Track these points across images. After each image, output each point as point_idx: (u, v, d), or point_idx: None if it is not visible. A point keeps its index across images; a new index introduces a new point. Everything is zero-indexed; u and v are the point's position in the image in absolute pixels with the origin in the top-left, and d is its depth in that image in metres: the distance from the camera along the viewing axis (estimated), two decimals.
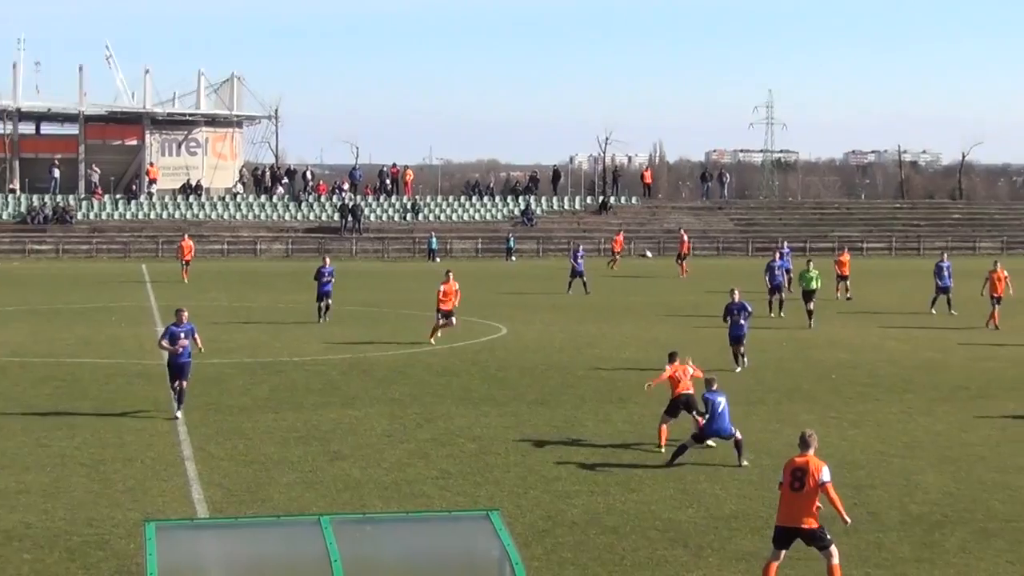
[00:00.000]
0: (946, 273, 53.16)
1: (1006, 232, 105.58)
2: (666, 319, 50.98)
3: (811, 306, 48.32)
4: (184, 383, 29.51)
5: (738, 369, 36.95)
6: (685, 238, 79.01)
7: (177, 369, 29.55)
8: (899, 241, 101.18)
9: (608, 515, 21.51)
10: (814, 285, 48.92)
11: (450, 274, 44.11)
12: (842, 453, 26.33)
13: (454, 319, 43.16)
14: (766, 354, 40.59)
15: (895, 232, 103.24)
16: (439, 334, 42.79)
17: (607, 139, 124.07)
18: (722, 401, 25.54)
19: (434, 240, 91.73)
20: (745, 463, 25.35)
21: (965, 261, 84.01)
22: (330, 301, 48.98)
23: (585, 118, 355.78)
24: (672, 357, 27.75)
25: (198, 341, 30.00)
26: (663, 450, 26.22)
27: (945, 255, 55.38)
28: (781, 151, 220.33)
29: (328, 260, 51.27)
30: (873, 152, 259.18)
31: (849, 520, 17.80)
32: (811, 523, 17.21)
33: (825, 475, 17.26)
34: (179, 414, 29.31)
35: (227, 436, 27.71)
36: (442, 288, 43.04)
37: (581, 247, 67.15)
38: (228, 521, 14.82)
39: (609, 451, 26.45)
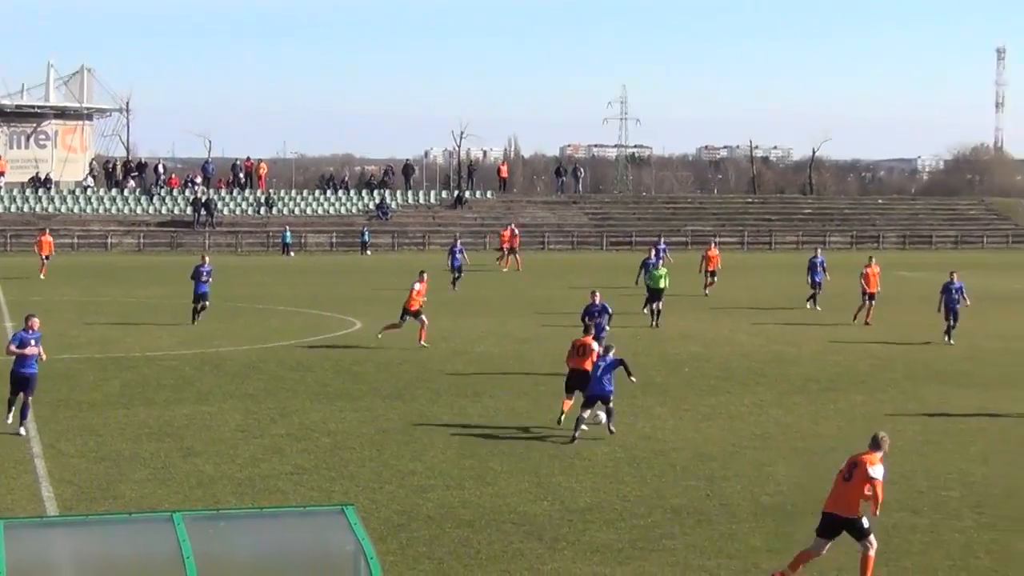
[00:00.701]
0: (820, 269, 53.87)
1: (855, 227, 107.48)
2: (522, 313, 51.12)
3: (658, 305, 47.49)
4: (29, 398, 27.34)
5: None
6: (510, 233, 78.38)
7: (23, 382, 27.37)
8: (751, 235, 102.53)
9: (463, 509, 21.51)
10: (662, 284, 47.94)
11: (424, 274, 42.22)
12: (695, 445, 26.61)
13: (423, 318, 41.52)
14: (619, 348, 40.81)
15: (747, 226, 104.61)
16: (385, 333, 41.39)
17: (462, 133, 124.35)
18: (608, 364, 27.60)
19: (288, 234, 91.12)
20: (613, 429, 27.18)
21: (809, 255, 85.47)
22: (207, 303, 46.71)
23: (440, 112, 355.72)
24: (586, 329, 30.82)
25: (41, 351, 27.75)
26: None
27: (819, 250, 56.06)
28: (635, 146, 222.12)
29: (207, 259, 48.82)
30: (725, 147, 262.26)
31: (876, 514, 17.84)
32: (851, 512, 17.59)
33: (875, 472, 17.52)
34: (23, 431, 27.03)
35: (77, 433, 27.25)
36: (416, 287, 41.28)
37: (459, 242, 66.37)
38: (79, 518, 14.54)
39: (464, 445, 26.44)
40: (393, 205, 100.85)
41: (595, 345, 29.05)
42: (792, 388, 33.93)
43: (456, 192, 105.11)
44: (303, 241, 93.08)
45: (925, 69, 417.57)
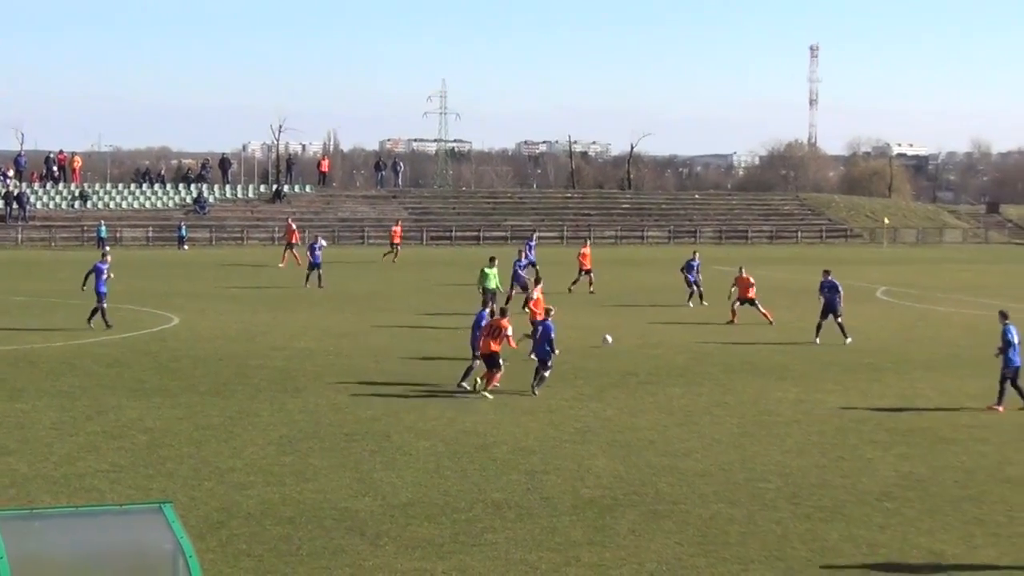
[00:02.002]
0: (695, 269, 54.53)
1: (673, 221, 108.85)
2: (342, 308, 50.87)
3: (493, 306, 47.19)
4: None
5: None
6: (293, 227, 77.58)
7: None
8: (570, 230, 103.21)
9: (284, 505, 21.32)
10: (492, 284, 47.86)
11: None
12: (516, 440, 26.70)
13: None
14: (440, 343, 40.92)
15: (566, 221, 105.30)
16: None
17: (281, 127, 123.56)
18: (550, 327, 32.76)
19: (103, 228, 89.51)
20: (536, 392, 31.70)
21: (634, 250, 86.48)
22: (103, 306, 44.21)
23: (258, 105, 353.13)
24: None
25: None
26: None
27: (697, 254, 56.78)
28: (455, 141, 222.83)
29: (108, 258, 45.84)
30: (545, 142, 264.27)
31: None
32: None
33: None
34: None
35: None
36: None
37: (319, 238, 65.26)
38: None
39: (285, 441, 26.22)
40: (211, 199, 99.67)
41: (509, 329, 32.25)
42: (611, 382, 34.21)
43: (275, 186, 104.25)
44: (119, 235, 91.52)
45: (741, 66, 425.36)
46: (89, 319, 43.58)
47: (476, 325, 33.41)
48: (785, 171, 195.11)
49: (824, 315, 42.98)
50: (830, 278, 43.18)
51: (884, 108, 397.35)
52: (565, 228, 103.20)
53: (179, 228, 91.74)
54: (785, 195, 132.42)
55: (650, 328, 45.75)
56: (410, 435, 26.83)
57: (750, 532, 20.27)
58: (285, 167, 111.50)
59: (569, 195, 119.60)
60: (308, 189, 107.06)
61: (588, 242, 66.15)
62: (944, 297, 59.47)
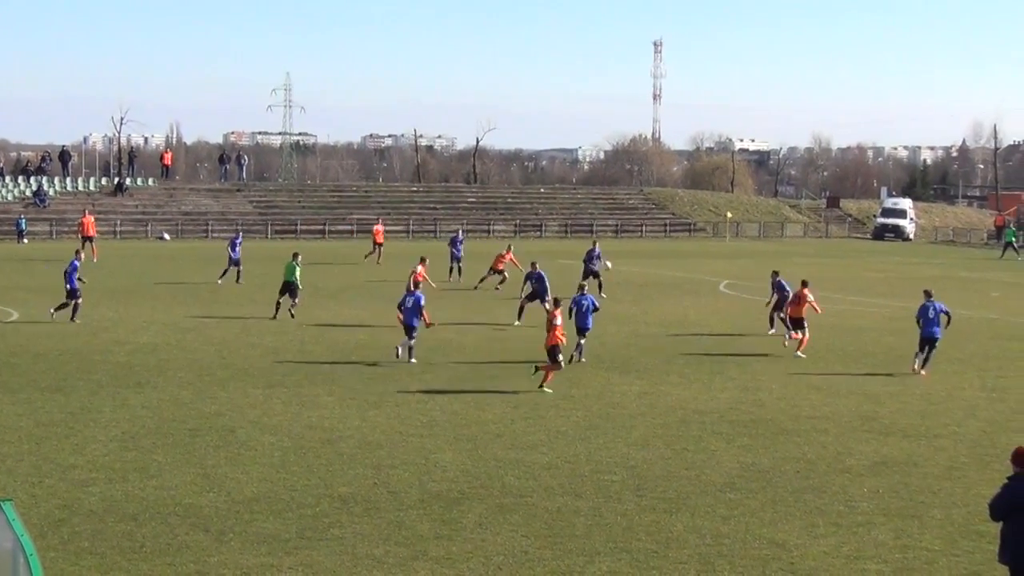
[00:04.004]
0: (595, 258, 55.29)
1: (518, 215, 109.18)
2: (185, 302, 50.29)
3: (289, 299, 46.12)
4: None
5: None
6: (90, 220, 75.78)
7: None
8: (416, 224, 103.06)
9: (127, 502, 21.02)
10: (291, 277, 46.44)
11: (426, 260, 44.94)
12: (362, 433, 26.60)
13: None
14: (286, 336, 40.66)
15: (412, 215, 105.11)
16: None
17: (122, 119, 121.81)
18: (586, 303, 36.30)
19: None
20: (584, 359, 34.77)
21: (479, 244, 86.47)
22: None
23: (99, 97, 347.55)
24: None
25: None
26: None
27: (597, 244, 57.50)
28: (300, 134, 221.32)
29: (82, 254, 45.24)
30: (390, 136, 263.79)
31: None
32: None
33: None
34: None
35: None
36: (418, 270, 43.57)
37: (240, 235, 63.90)
38: None
39: (127, 437, 25.84)
40: (51, 192, 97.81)
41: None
42: (459, 375, 34.23)
43: (116, 179, 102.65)
44: None
45: (586, 61, 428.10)
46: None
47: (403, 303, 36.39)
48: (629, 166, 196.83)
49: (777, 308, 44.04)
50: (779, 278, 44.26)
51: (727, 104, 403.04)
52: (411, 222, 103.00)
53: (18, 221, 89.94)
54: (629, 189, 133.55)
55: (495, 320, 45.80)
56: (255, 430, 26.61)
57: (596, 524, 20.41)
58: (127, 160, 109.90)
59: (415, 189, 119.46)
60: (150, 182, 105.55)
61: (509, 247, 62.39)
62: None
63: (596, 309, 37.22)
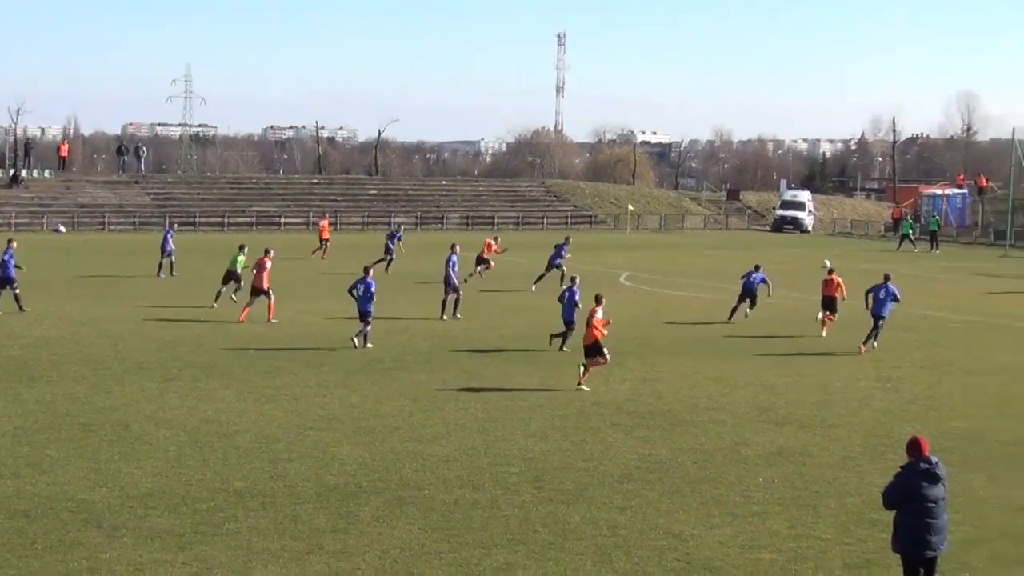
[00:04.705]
0: (560, 253, 56.70)
1: (420, 207, 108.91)
2: (80, 295, 49.70)
3: (234, 284, 47.02)
4: None
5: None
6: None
7: None
8: (316, 216, 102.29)
9: (18, 498, 20.71)
10: (235, 266, 47.26)
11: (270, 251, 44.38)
12: (259, 427, 26.42)
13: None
14: (185, 329, 40.27)
15: (313, 207, 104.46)
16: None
17: (19, 110, 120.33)
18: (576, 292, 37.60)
19: None
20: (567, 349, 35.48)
21: (382, 236, 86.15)
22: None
23: None
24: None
25: None
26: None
27: (568, 239, 59.21)
28: (200, 125, 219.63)
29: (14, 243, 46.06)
30: (291, 128, 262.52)
31: None
32: None
33: None
34: None
35: None
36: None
37: (173, 225, 63.14)
38: None
39: (20, 432, 25.47)
40: None
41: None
42: (356, 368, 34.09)
43: (12, 171, 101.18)
44: None
45: (489, 53, 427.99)
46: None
47: (354, 289, 37.93)
48: (532, 158, 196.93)
49: (741, 299, 46.16)
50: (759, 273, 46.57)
51: (629, 96, 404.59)
52: (312, 214, 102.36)
53: None
54: (531, 181, 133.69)
55: (401, 312, 45.68)
56: (150, 424, 26.35)
57: (493, 516, 20.39)
58: (23, 151, 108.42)
59: (316, 181, 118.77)
60: (47, 174, 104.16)
61: (495, 238, 63.65)
62: (685, 282, 60.74)
63: (577, 304, 37.99)
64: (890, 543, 16.10)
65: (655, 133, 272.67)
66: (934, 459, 15.81)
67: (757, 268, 46.59)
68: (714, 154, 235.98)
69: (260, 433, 25.92)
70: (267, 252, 43.89)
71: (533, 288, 54.39)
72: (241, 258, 47.54)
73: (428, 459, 24.13)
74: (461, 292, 45.70)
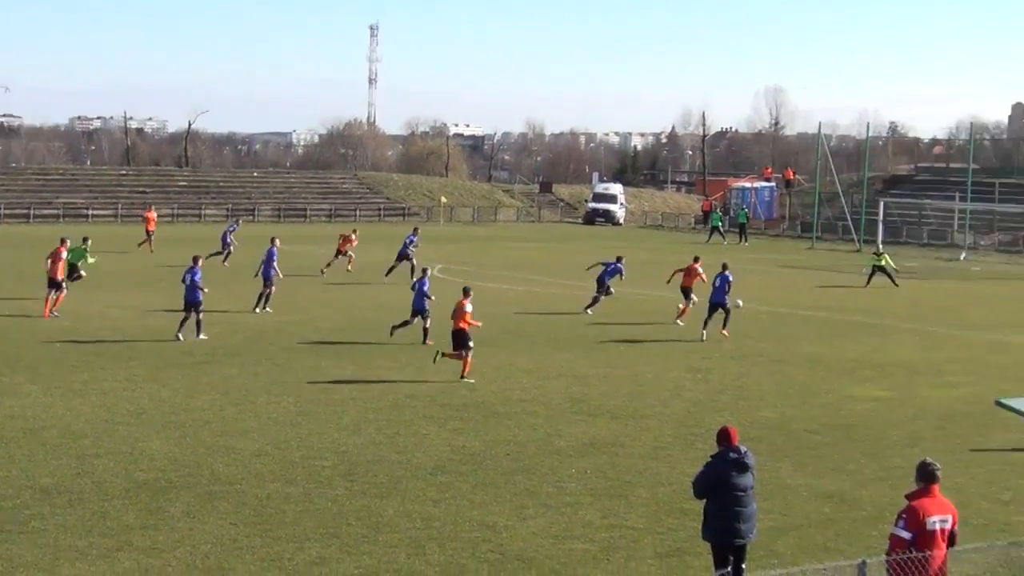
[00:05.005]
0: (409, 244, 57.63)
1: (231, 199, 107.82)
2: None
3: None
4: None
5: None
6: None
7: None
8: (125, 208, 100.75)
9: None
10: (77, 260, 46.40)
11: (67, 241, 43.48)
12: (66, 423, 25.92)
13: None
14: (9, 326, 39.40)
15: (121, 199, 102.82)
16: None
17: None
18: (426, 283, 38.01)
19: None
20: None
21: (192, 228, 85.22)
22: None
23: None
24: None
25: None
26: None
27: (417, 230, 60.71)
28: (4, 115, 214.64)
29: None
30: (99, 118, 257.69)
31: None
32: None
33: None
34: None
35: None
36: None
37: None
38: None
39: None
40: None
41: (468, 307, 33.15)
42: (167, 362, 33.61)
43: None
44: None
45: (301, 44, 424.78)
46: None
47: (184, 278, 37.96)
48: (344, 150, 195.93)
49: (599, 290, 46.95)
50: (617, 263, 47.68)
51: (441, 89, 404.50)
52: (120, 206, 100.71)
53: None
54: (344, 173, 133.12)
55: (212, 305, 45.10)
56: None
57: (306, 510, 20.26)
58: None
59: (124, 172, 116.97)
60: None
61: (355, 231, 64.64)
62: (498, 274, 60.97)
63: (429, 295, 38.30)
64: (701, 531, 16.32)
65: (468, 126, 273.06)
66: (743, 448, 16.06)
67: (619, 259, 46.89)
68: (527, 147, 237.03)
69: (67, 428, 25.42)
70: (63, 241, 43.12)
71: (386, 279, 55.10)
72: (84, 252, 46.96)
73: (240, 453, 23.89)
74: (275, 287, 45.30)
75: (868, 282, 60.31)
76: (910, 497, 14.29)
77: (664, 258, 66.74)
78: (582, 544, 19.02)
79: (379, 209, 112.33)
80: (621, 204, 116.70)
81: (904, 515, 14.08)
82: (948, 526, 14.14)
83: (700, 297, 43.50)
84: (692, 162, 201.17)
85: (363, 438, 25.52)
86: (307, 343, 37.58)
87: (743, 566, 16.05)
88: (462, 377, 32.25)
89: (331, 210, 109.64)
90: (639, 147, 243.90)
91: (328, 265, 59.24)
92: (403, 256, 57.15)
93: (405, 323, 38.13)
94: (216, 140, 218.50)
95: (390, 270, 56.17)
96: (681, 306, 44.54)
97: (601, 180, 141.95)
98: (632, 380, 33.03)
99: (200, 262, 38.61)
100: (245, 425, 26.35)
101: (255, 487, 21.58)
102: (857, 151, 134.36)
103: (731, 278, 41.70)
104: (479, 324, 33.65)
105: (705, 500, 16.10)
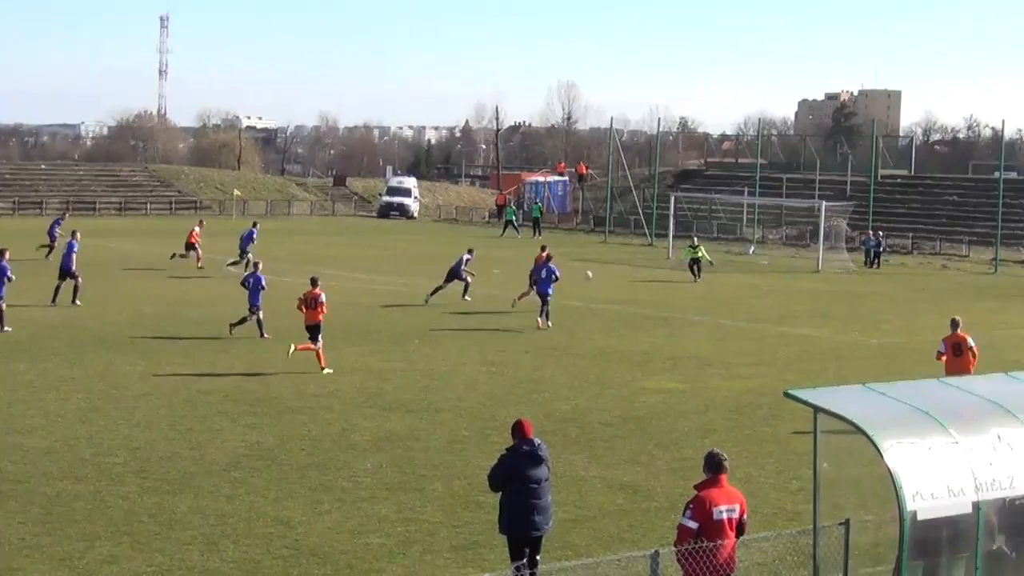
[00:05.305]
0: (249, 238, 58.56)
1: (18, 192, 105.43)
2: None
3: None
4: None
5: None
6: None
7: None
8: None
9: None
10: None
11: None
12: None
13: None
14: None
15: None
16: None
17: None
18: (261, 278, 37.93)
19: None
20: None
21: None
22: None
23: None
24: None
25: None
26: None
27: (257, 225, 61.64)
28: None
29: None
30: None
31: None
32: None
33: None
34: None
35: None
36: None
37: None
38: None
39: None
40: None
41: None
42: None
43: None
44: None
45: (89, 34, 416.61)
46: None
47: None
48: (135, 142, 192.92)
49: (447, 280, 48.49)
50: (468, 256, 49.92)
51: (234, 80, 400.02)
52: None
53: None
54: (134, 166, 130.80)
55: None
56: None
57: (96, 508, 19.93)
58: None
59: None
60: None
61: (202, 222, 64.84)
62: (290, 268, 60.47)
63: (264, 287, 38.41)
64: (497, 524, 16.43)
65: (260, 118, 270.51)
66: (537, 441, 16.21)
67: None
68: (320, 140, 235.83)
69: None
70: None
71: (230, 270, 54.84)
72: None
73: (28, 451, 23.40)
74: (80, 279, 44.46)
75: (693, 275, 60.87)
76: (698, 487, 14.58)
77: (457, 251, 66.78)
78: (378, 539, 19.02)
79: (171, 202, 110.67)
80: (415, 198, 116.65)
81: (691, 505, 14.36)
82: (736, 515, 14.44)
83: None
84: (486, 156, 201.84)
85: (155, 434, 25.18)
86: (97, 338, 36.92)
87: (538, 558, 16.19)
88: (322, 369, 32.41)
89: (121, 203, 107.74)
90: (433, 141, 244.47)
91: (182, 256, 59.50)
92: (243, 251, 57.51)
93: (243, 320, 38.01)
94: (1, 131, 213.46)
95: (233, 263, 56.65)
96: (524, 291, 46.11)
97: (395, 174, 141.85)
98: (427, 374, 33.07)
99: (7, 255, 38.22)
100: (33, 422, 25.81)
101: (44, 485, 21.17)
102: (648, 146, 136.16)
103: (557, 271, 43.20)
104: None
105: (501, 493, 16.21)
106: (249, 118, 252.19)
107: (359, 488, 21.76)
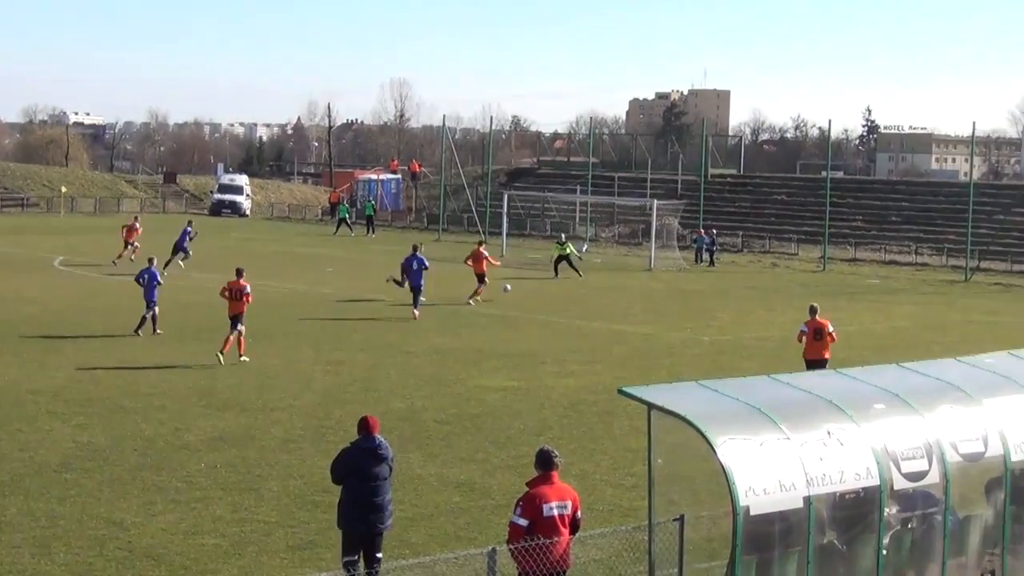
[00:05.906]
0: (188, 236, 59.52)
1: None
2: None
3: None
4: None
5: None
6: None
7: None
8: None
9: None
10: None
11: None
12: None
13: None
14: None
15: None
16: None
17: None
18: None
19: None
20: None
21: None
22: None
23: None
24: None
25: None
26: None
27: (190, 224, 62.00)
28: None
29: None
30: None
31: None
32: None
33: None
34: None
35: None
36: None
37: None
38: None
39: None
40: None
41: None
42: None
43: None
44: None
45: None
46: None
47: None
48: None
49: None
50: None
51: (60, 76, 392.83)
52: None
53: None
54: None
55: None
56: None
57: None
58: None
59: None
60: None
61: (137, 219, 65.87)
62: (121, 267, 59.66)
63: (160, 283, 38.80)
64: (336, 521, 16.39)
65: (88, 114, 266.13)
66: (379, 439, 16.23)
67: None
68: (150, 136, 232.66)
69: None
70: None
71: (164, 273, 53.46)
72: None
73: None
74: None
75: (556, 273, 61.55)
76: (529, 484, 14.66)
77: (290, 249, 66.52)
78: (212, 539, 18.84)
79: None
80: (247, 195, 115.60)
81: (521, 503, 14.44)
82: (567, 512, 14.54)
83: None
84: (318, 154, 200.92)
85: None
86: None
87: (378, 555, 16.18)
88: (240, 356, 33.57)
89: None
90: (264, 138, 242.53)
91: (119, 256, 59.67)
92: (180, 248, 58.35)
93: (143, 320, 37.94)
94: None
95: (167, 263, 55.76)
96: (477, 288, 49.13)
97: (226, 171, 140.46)
98: (260, 373, 32.80)
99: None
100: None
101: None
102: (481, 144, 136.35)
103: (426, 263, 45.10)
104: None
105: (341, 489, 16.21)
106: (76, 114, 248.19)
107: (193, 488, 21.53)
